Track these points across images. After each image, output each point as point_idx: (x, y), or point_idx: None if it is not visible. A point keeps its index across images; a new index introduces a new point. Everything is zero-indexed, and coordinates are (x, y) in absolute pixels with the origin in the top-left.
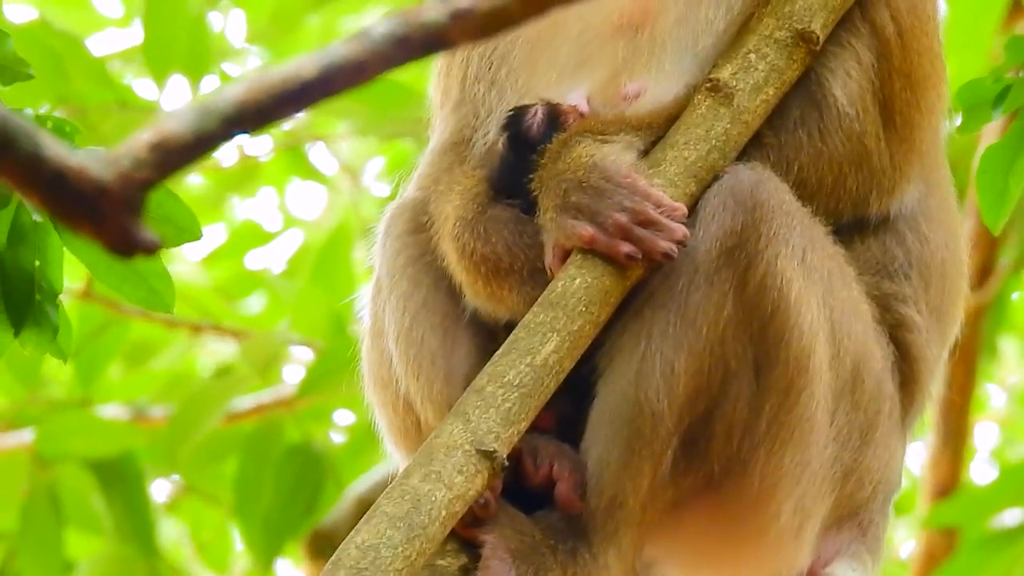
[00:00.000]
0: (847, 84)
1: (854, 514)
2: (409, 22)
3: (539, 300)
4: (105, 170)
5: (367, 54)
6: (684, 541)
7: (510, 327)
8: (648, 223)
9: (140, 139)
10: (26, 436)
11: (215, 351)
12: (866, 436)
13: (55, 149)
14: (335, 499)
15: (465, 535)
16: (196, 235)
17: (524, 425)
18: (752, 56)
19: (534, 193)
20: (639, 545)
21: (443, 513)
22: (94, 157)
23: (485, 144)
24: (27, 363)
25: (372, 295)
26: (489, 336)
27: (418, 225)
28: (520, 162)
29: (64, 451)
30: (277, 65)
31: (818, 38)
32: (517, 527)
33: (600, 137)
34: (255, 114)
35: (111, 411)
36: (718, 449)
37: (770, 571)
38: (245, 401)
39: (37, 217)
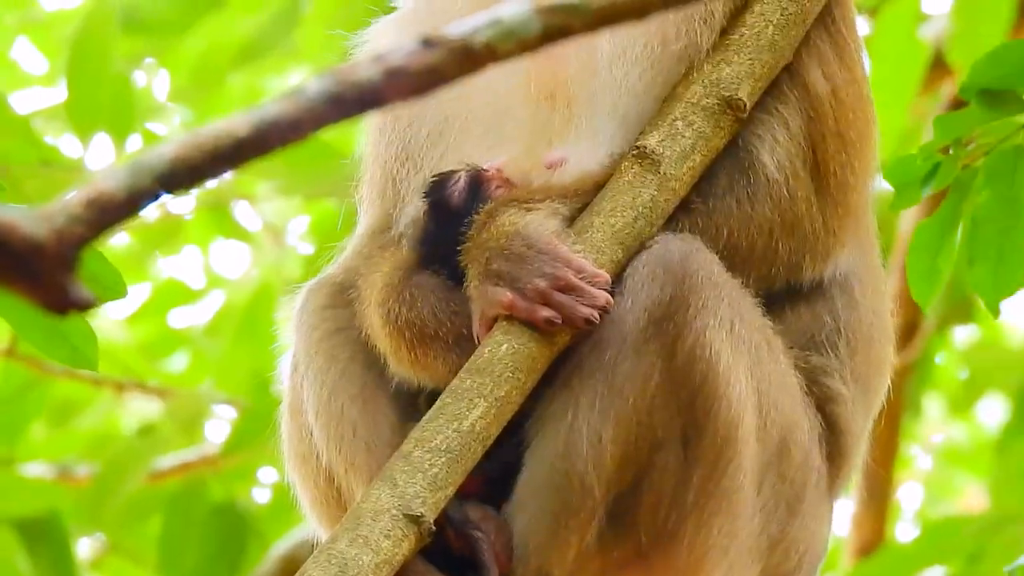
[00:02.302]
0: (775, 150)
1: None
2: (343, 80)
3: (466, 366)
4: (39, 227)
5: (301, 112)
6: None
7: (432, 396)
8: (568, 289)
9: (74, 196)
10: None
11: (139, 410)
12: (793, 507)
13: None
14: (259, 558)
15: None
16: (121, 293)
17: (451, 490)
18: (679, 123)
19: (462, 262)
20: None
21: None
22: (26, 214)
23: (408, 218)
24: None
25: (290, 372)
26: (410, 405)
27: (336, 301)
28: (444, 230)
29: None
30: (206, 123)
31: (745, 105)
32: None
33: (524, 205)
34: (188, 172)
35: (36, 470)
36: (646, 520)
37: None
38: (169, 460)
39: None
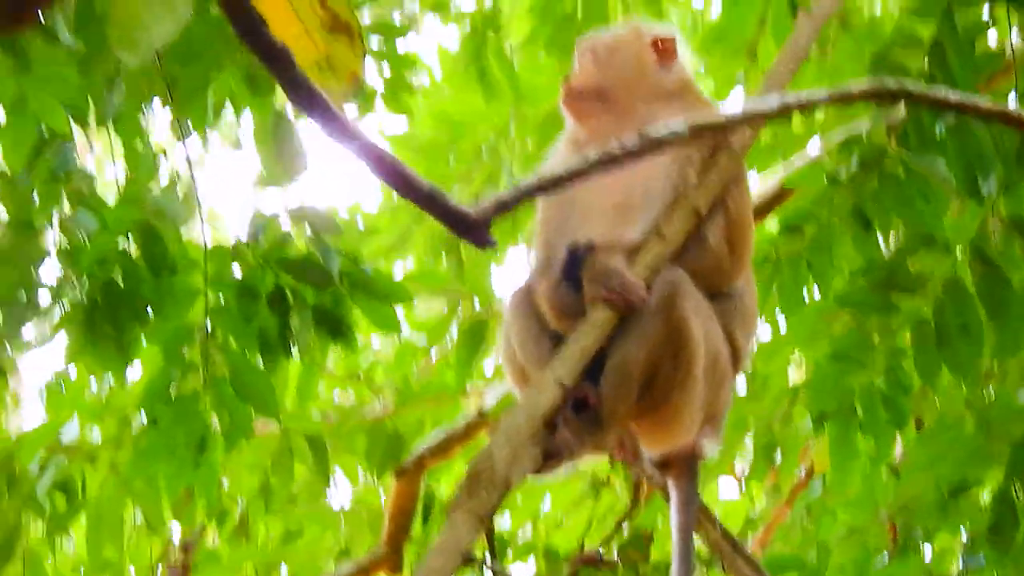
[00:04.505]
0: (714, 234)
1: (713, 418)
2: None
3: (583, 321)
4: (474, 210)
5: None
6: (642, 429)
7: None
8: (627, 289)
9: (490, 199)
10: None
11: None
12: (720, 385)
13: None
14: None
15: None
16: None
17: (577, 375)
18: (675, 219)
19: (582, 279)
20: (622, 428)
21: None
22: (468, 205)
23: (558, 258)
24: None
25: (504, 329)
26: (558, 342)
27: (524, 298)
28: (573, 266)
29: None
30: None
31: (702, 212)
32: (573, 421)
33: (609, 254)
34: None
35: None
36: (657, 391)
37: (681, 441)
38: None
39: None
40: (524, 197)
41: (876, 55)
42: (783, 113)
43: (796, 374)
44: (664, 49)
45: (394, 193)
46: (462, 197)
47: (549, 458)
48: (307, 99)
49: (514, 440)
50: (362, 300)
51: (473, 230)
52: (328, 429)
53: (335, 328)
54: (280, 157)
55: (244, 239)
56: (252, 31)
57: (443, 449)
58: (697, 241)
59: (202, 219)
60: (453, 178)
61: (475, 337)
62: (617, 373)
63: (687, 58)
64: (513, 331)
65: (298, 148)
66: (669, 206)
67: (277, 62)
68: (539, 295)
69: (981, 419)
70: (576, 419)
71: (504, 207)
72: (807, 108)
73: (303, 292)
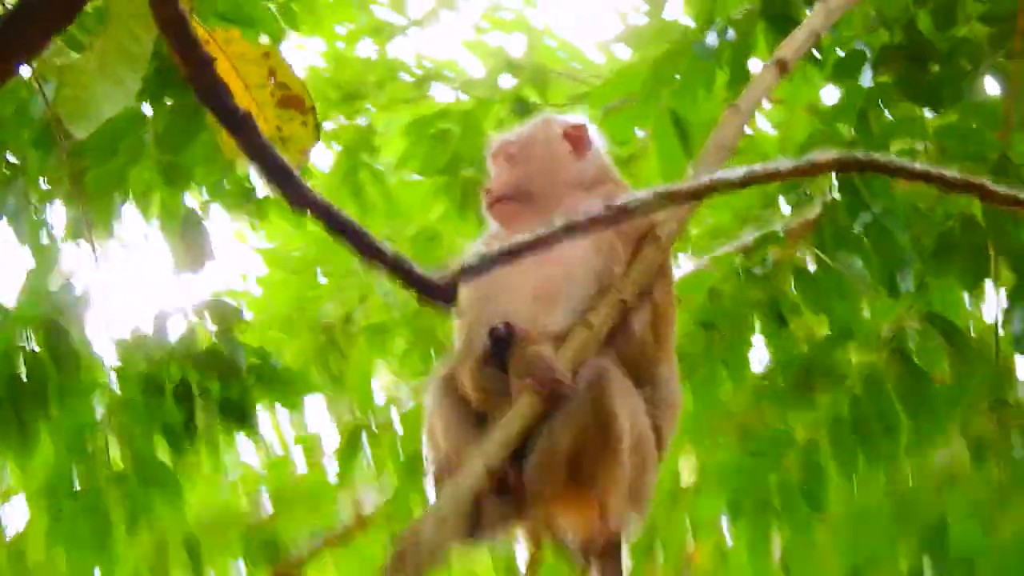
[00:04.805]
0: (640, 322)
1: (637, 501)
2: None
3: (510, 409)
4: (438, 277)
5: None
6: (567, 512)
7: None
8: (555, 379)
9: (451, 268)
10: None
11: None
12: (645, 469)
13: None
14: None
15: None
16: None
17: (501, 460)
18: (602, 307)
19: (507, 362)
20: (547, 512)
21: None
22: (433, 272)
23: (479, 342)
24: None
25: (427, 416)
26: (481, 420)
27: (447, 381)
28: (499, 348)
29: None
30: None
31: (628, 302)
32: (496, 503)
33: (535, 341)
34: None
35: None
36: (583, 474)
37: (606, 525)
38: None
39: None
40: (488, 264)
41: (801, 145)
42: (748, 183)
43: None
44: (577, 138)
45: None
46: (335, 315)
47: (471, 537)
48: (272, 167)
49: (438, 522)
50: (268, 392)
51: (438, 294)
52: (204, 531)
53: (240, 418)
54: (188, 248)
55: (150, 333)
56: (216, 98)
57: (320, 552)
58: (623, 330)
59: (106, 314)
60: (325, 296)
61: (355, 441)
62: (543, 457)
63: (602, 145)
64: (436, 416)
65: (206, 239)
66: (595, 296)
67: (241, 130)
68: (463, 377)
69: (898, 503)
70: (498, 501)
71: (468, 272)
72: (772, 178)
73: (209, 385)
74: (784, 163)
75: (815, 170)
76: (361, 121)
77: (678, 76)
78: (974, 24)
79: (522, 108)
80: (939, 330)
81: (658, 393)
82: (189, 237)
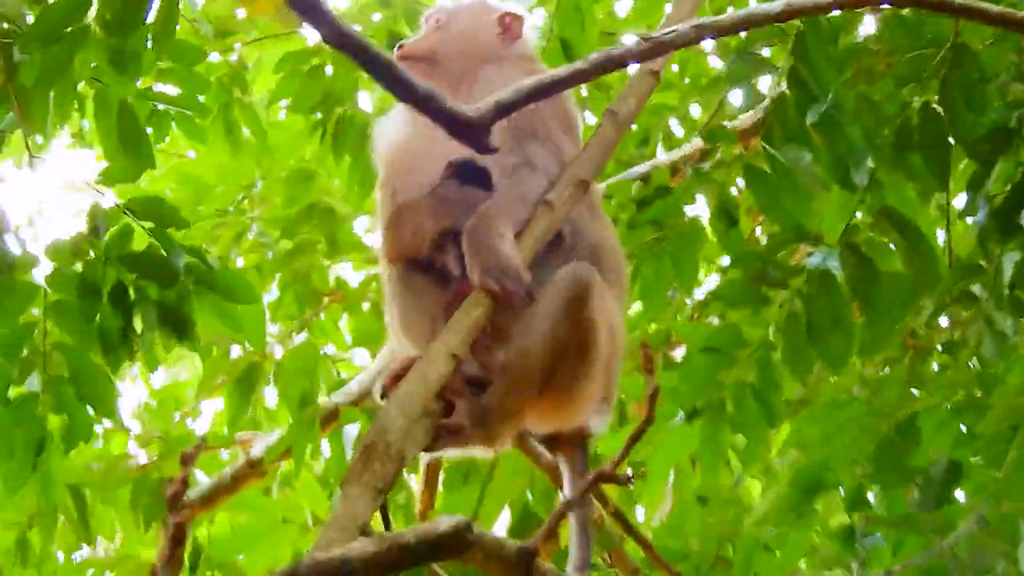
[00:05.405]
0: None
1: (607, 397)
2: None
3: (465, 301)
4: (472, 113)
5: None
6: (536, 410)
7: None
8: (510, 283)
9: (486, 103)
10: None
11: None
12: (614, 366)
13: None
14: None
15: (446, 397)
16: None
17: (464, 348)
18: (561, 188)
19: (463, 245)
20: (518, 416)
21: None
22: (466, 108)
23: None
24: None
25: (388, 301)
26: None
27: (404, 271)
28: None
29: None
30: None
31: (588, 181)
32: (470, 400)
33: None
34: None
35: None
36: (558, 379)
37: (575, 421)
38: None
39: None
40: (524, 99)
41: (739, 43)
42: (787, 16)
43: None
44: (510, 23)
45: None
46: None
47: (441, 436)
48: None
49: (407, 412)
50: (207, 298)
51: (471, 132)
52: (93, 479)
53: (180, 328)
54: (126, 152)
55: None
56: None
57: (211, 499)
58: (578, 224)
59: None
60: (199, 237)
61: (246, 385)
62: (518, 364)
63: (533, 41)
64: (395, 306)
65: (144, 143)
66: (554, 176)
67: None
68: (402, 231)
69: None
70: (473, 399)
71: (505, 110)
72: (813, 11)
73: (147, 289)
74: None
75: (861, 1)
76: (233, 59)
77: None
78: None
79: (396, 43)
80: (893, 225)
81: (605, 264)
82: (126, 140)
